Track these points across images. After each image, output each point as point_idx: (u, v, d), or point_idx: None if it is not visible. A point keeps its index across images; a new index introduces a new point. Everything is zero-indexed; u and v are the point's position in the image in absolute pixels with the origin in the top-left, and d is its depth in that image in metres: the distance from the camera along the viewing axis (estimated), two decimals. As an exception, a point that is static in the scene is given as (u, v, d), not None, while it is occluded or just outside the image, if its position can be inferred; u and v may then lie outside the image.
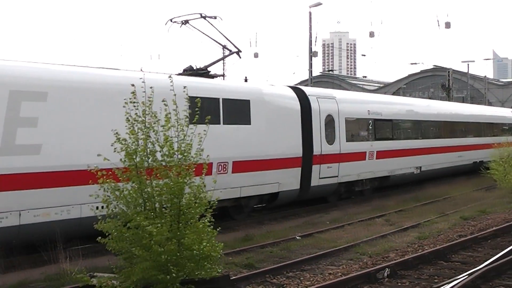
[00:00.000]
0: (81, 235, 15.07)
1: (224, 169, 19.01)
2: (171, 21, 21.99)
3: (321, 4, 48.42)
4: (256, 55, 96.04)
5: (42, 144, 14.51)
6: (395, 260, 14.33)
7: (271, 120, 21.10)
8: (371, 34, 71.16)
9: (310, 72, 51.64)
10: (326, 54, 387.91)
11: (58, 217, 14.58)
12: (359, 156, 25.87)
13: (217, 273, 10.59)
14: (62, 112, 15.02)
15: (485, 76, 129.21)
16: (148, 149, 10.12)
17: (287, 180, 21.77)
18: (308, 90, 24.71)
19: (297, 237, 17.65)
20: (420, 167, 31.12)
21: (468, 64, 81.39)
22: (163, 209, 10.00)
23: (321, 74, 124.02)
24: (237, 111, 19.96)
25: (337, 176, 24.45)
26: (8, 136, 13.91)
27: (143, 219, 9.51)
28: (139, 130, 10.18)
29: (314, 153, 23.16)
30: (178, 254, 9.72)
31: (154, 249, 9.38)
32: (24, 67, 15.17)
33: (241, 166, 19.65)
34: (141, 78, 10.72)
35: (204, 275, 10.17)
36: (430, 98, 65.65)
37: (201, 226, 10.02)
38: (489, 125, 42.18)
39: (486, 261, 13.96)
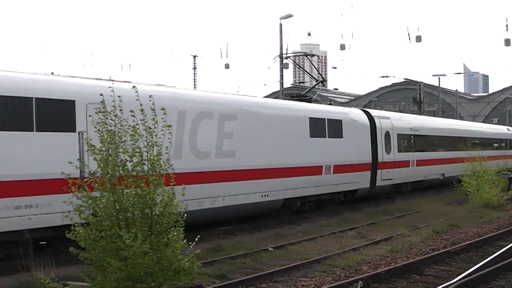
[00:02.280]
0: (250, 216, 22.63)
1: (328, 171, 25.69)
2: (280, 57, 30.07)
3: (291, 16, 48.61)
4: (227, 66, 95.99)
5: (235, 150, 20.91)
6: (368, 273, 14.29)
7: (353, 134, 27.83)
8: (342, 47, 71.35)
9: (281, 83, 51.65)
10: (296, 66, 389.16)
11: (243, 201, 21.15)
12: (406, 163, 32.42)
13: (191, 284, 10.43)
14: (246, 129, 21.59)
15: (456, 90, 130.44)
16: (118, 159, 9.92)
17: (363, 180, 28.38)
18: (372, 111, 32.23)
19: (270, 249, 17.55)
20: (444, 173, 37.89)
21: (439, 78, 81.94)
22: (136, 219, 9.81)
23: (292, 85, 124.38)
24: (335, 128, 26.47)
25: (392, 179, 31.12)
26: (218, 145, 20.23)
27: (120, 230, 9.34)
28: (108, 139, 10.00)
29: (378, 161, 29.81)
30: (152, 267, 9.54)
31: (131, 262, 9.19)
32: (224, 98, 22.50)
33: (338, 169, 26.17)
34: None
35: (178, 285, 10.00)
36: (400, 111, 66.10)
37: (173, 237, 9.84)
38: (491, 140, 49.88)
39: (459, 275, 13.96)
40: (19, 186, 14.47)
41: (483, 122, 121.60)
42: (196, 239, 10.59)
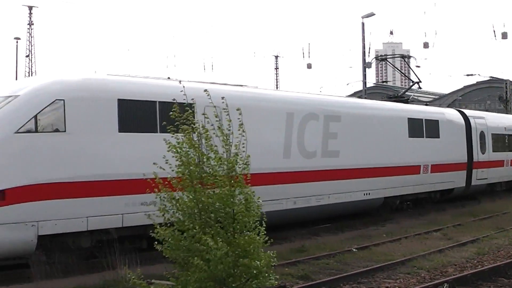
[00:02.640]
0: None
1: (426, 170, 26.32)
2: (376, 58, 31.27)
3: (374, 14, 48.16)
4: (309, 66, 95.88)
5: (339, 150, 21.57)
6: (453, 275, 14.04)
7: (450, 134, 28.36)
8: (425, 45, 70.37)
9: (364, 83, 51.37)
10: (379, 65, 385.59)
11: (347, 199, 21.87)
12: (500, 163, 32.61)
13: (274, 284, 10.45)
14: (349, 129, 22.18)
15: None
16: (201, 159, 10.04)
17: (458, 180, 28.85)
18: (467, 112, 32.53)
19: (354, 249, 17.47)
20: None
21: (526, 75, 79.75)
22: (218, 221, 9.89)
23: (374, 85, 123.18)
24: (432, 128, 27.11)
25: (487, 178, 31.37)
26: (324, 145, 20.91)
27: (200, 230, 9.45)
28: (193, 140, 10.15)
29: (474, 160, 30.07)
30: (233, 268, 9.59)
31: (213, 262, 9.28)
32: (328, 100, 23.62)
33: (435, 168, 26.78)
34: None
35: (261, 285, 10.03)
36: (486, 111, 64.76)
37: (253, 236, 9.86)
38: None
39: (549, 279, 13.61)
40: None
41: None
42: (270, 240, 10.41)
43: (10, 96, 14.34)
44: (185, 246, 9.66)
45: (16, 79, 77.23)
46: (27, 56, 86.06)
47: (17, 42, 75.05)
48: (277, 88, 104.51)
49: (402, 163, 24.85)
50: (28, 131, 13.87)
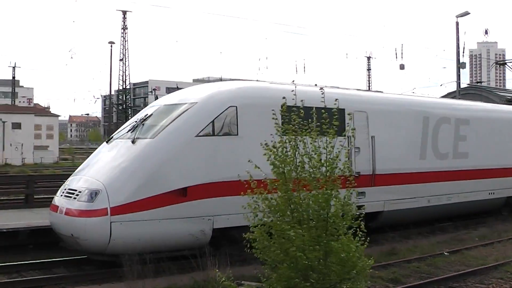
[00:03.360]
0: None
1: None
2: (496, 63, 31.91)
3: (468, 13, 47.32)
4: (402, 67, 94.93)
5: (468, 152, 22.97)
6: (549, 281, 13.80)
7: None
8: (523, 44, 68.51)
9: (458, 84, 50.47)
10: (473, 65, 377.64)
11: (474, 198, 23.13)
12: None
13: (363, 286, 10.45)
14: (477, 132, 23.61)
15: None
16: (296, 160, 10.15)
17: None
18: None
19: (445, 253, 17.32)
20: None
21: None
22: (310, 220, 9.96)
23: (468, 85, 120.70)
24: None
25: None
26: (455, 147, 22.51)
27: (287, 226, 9.55)
28: (288, 141, 10.30)
29: None
30: (322, 261, 9.61)
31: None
32: (458, 104, 26.32)
33: None
34: None
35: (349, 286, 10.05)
36: None
37: (347, 239, 9.89)
38: None
39: None
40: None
41: None
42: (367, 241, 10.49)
43: (185, 104, 16.14)
44: (275, 246, 9.77)
45: (111, 82, 79.21)
46: (121, 60, 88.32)
47: (111, 46, 77.01)
48: (369, 88, 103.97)
49: None
50: (207, 135, 15.57)
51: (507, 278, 14.45)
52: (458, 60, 48.89)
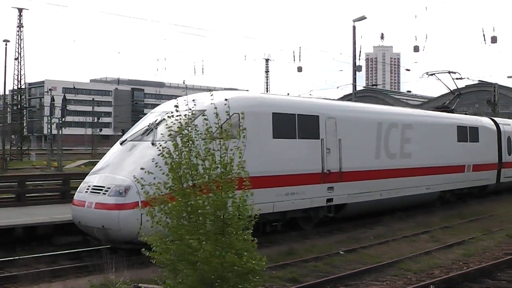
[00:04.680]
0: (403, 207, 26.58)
1: (469, 169, 31.18)
2: (426, 73, 38.91)
3: (365, 18, 48.35)
4: (299, 69, 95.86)
5: (411, 152, 26.53)
6: (440, 277, 14.19)
7: (486, 139, 33.46)
8: (416, 49, 70.65)
9: (354, 86, 51.59)
10: (369, 69, 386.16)
11: (415, 192, 26.69)
12: None
13: (261, 287, 10.49)
14: (418, 135, 27.13)
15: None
16: (190, 162, 10.09)
17: (491, 178, 33.94)
18: (497, 119, 37.63)
19: (341, 252, 17.58)
20: None
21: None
22: (207, 222, 9.91)
23: (364, 88, 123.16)
24: (474, 134, 32.16)
25: (511, 177, 35.33)
26: (401, 148, 25.96)
27: (186, 232, 9.49)
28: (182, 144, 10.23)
29: (502, 161, 35.03)
30: (221, 269, 9.61)
31: (200, 267, 9.33)
32: (405, 111, 30.36)
33: (476, 168, 31.70)
34: None
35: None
36: (475, 114, 65.04)
37: (243, 239, 9.90)
38: None
39: (534, 280, 13.78)
40: (290, 179, 19.93)
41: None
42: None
43: (196, 111, 16.59)
44: (172, 250, 9.69)
45: (5, 81, 77.09)
46: (16, 59, 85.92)
47: (6, 44, 74.81)
48: (266, 90, 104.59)
49: (453, 163, 29.97)
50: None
51: (401, 275, 14.78)
52: (354, 63, 49.92)
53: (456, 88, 41.05)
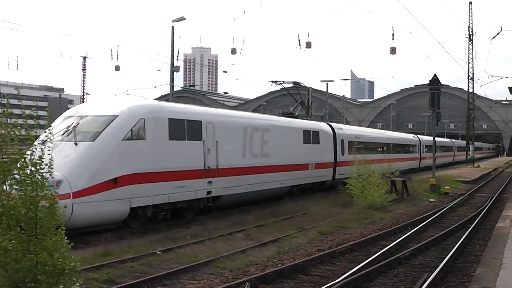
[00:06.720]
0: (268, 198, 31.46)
1: (312, 167, 36.15)
2: (275, 82, 47.38)
3: (184, 19, 48.39)
4: (117, 68, 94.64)
5: (269, 152, 30.87)
6: (255, 274, 14.45)
7: (325, 141, 38.88)
8: (233, 51, 71.95)
9: (172, 86, 51.59)
10: (187, 69, 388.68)
11: (272, 187, 31.15)
12: (352, 163, 36.78)
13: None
14: (274, 138, 31.47)
15: (343, 96, 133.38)
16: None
17: (329, 174, 39.25)
18: (334, 125, 42.85)
19: (158, 252, 17.47)
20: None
21: (327, 84, 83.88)
22: (20, 224, 9.54)
23: (182, 89, 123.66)
24: (316, 137, 37.35)
25: (344, 174, 37.16)
26: (262, 149, 30.25)
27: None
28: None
29: (337, 160, 40.21)
30: (35, 270, 9.30)
31: (11, 267, 8.96)
32: (264, 118, 34.65)
33: (317, 166, 36.87)
34: None
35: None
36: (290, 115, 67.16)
37: (56, 239, 9.60)
38: (403, 145, 63.40)
39: (344, 274, 14.34)
40: (181, 174, 23.55)
41: (369, 126, 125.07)
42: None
43: (110, 116, 21.59)
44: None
45: None
46: None
47: None
48: (83, 88, 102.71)
49: (300, 162, 34.72)
50: (128, 139, 21.29)
51: (217, 273, 14.92)
52: (172, 63, 49.91)
53: (299, 95, 48.61)
